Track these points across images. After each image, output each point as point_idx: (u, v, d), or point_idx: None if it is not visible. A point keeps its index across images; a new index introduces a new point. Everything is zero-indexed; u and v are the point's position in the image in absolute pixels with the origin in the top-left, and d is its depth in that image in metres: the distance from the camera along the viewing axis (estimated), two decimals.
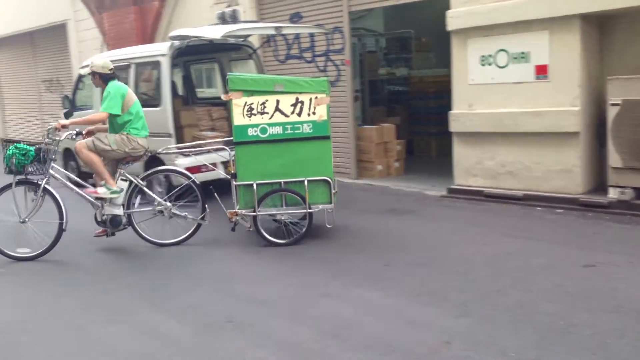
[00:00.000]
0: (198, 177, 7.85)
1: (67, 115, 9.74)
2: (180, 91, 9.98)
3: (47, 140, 5.83)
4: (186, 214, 6.11)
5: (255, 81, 5.92)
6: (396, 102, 11.61)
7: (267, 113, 5.80)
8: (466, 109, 7.61)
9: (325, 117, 5.79)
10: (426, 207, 7.33)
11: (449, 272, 4.78)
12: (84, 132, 6.20)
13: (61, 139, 5.93)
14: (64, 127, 5.81)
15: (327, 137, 5.86)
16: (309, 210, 5.76)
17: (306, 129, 5.79)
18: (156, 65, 8.17)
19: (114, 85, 5.95)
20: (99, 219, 6.08)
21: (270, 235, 5.85)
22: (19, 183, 5.81)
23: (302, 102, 5.78)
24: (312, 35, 9.56)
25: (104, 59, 6.18)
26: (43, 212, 5.86)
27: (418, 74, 11.60)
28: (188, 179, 6.23)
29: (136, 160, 6.23)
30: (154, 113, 8.09)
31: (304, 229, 5.79)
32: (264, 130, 5.80)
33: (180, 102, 9.39)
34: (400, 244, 5.77)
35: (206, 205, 6.11)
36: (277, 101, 5.78)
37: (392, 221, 6.73)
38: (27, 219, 5.86)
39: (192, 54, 9.38)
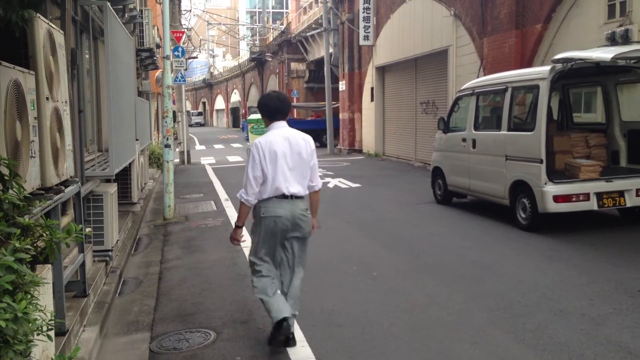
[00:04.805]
0: (567, 207, 7.49)
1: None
2: (555, 116, 9.60)
3: None
4: None
5: None
6: None
7: None
8: None
9: None
10: None
11: None
12: None
13: None
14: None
15: None
16: None
17: None
18: (534, 89, 8.00)
19: None
20: None
21: None
22: None
23: None
24: None
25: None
26: None
27: None
28: None
29: None
30: (525, 137, 7.96)
31: None
32: None
33: (554, 127, 9.03)
34: None
35: None
36: None
37: None
38: None
39: (572, 77, 8.92)
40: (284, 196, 4.08)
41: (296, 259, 4.27)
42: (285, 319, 4.06)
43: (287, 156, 4.09)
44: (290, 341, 4.20)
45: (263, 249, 4.20)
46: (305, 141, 4.22)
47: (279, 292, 4.19)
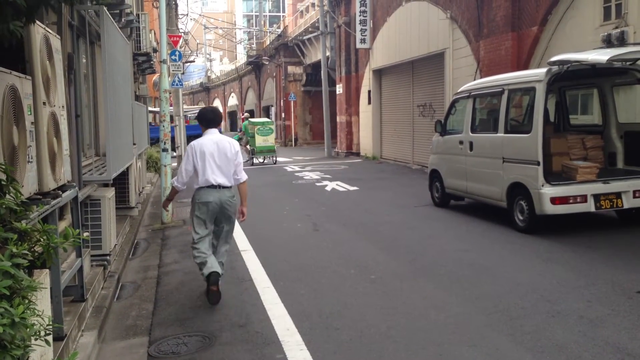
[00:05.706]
0: (565, 209, 7.50)
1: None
2: (552, 118, 9.62)
3: None
4: None
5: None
6: None
7: None
8: None
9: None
10: None
11: None
12: None
13: None
14: None
15: None
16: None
17: None
18: (530, 91, 8.02)
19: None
20: None
21: None
22: None
23: None
24: None
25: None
26: None
27: None
28: None
29: None
30: (522, 140, 7.97)
31: None
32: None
33: (551, 129, 9.05)
34: None
35: None
36: None
37: None
38: None
39: (569, 80, 8.94)
40: (212, 186, 5.40)
41: (224, 232, 5.65)
42: (214, 273, 5.29)
43: (214, 155, 5.43)
44: (215, 295, 5.32)
45: (199, 227, 5.46)
46: (230, 144, 5.55)
47: (212, 257, 5.45)
